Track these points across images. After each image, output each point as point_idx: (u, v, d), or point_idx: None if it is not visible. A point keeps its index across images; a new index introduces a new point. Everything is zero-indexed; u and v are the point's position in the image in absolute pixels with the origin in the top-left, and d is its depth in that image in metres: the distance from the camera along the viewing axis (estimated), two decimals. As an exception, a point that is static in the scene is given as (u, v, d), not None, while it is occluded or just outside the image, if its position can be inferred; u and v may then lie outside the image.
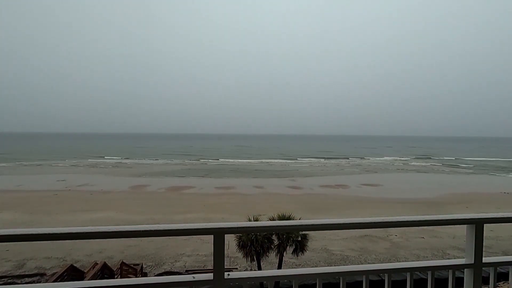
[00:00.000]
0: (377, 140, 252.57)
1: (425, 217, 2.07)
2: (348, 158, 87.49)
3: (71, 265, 12.72)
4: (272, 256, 13.27)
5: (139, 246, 17.47)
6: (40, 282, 13.45)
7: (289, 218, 13.28)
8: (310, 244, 13.62)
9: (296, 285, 1.94)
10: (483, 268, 2.07)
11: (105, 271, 12.94)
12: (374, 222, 2.00)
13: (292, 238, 12.66)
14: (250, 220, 12.29)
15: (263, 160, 79.29)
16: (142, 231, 1.67)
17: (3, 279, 14.00)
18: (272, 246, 12.69)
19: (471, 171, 60.40)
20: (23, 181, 40.54)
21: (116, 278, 12.78)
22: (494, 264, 2.12)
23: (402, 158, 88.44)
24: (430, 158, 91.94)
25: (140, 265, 14.59)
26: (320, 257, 16.67)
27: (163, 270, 15.12)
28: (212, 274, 1.77)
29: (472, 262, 2.04)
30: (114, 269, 13.36)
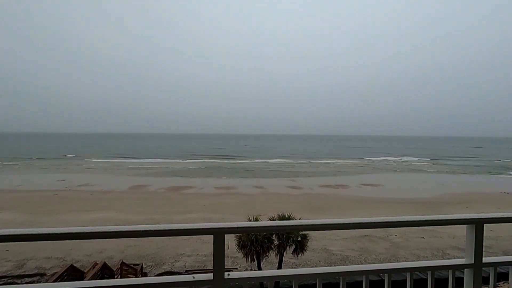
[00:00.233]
0: (377, 141, 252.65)
1: (425, 217, 2.07)
2: (348, 158, 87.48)
3: (71, 265, 12.71)
4: (272, 256, 13.27)
5: (139, 246, 17.47)
6: (40, 282, 13.45)
7: (289, 218, 13.29)
8: (310, 244, 13.62)
9: (296, 285, 1.94)
10: (483, 268, 2.07)
11: (105, 271, 12.94)
12: (374, 222, 2.00)
13: (292, 238, 12.66)
14: (250, 220, 12.30)
15: (262, 160, 79.32)
16: (142, 231, 1.67)
17: (3, 279, 14.00)
18: (272, 246, 12.69)
19: (470, 170, 60.43)
20: (23, 181, 40.55)
21: (116, 278, 12.78)
22: (494, 264, 2.11)
23: (402, 158, 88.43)
24: (430, 158, 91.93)
25: (140, 265, 14.59)
26: (320, 257, 16.67)
27: (163, 270, 15.12)
28: (212, 274, 1.77)
29: (472, 262, 2.04)
30: (114, 269, 13.35)
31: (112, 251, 16.85)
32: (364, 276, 1.99)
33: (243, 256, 12.95)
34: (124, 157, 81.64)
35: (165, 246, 17.49)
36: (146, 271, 14.90)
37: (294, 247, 12.74)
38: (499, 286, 6.62)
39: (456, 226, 2.20)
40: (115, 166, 62.51)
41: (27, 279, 14.16)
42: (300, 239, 12.71)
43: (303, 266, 14.98)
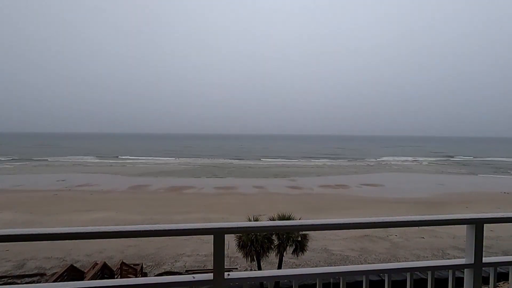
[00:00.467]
0: (377, 140, 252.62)
1: (425, 217, 2.07)
2: (348, 158, 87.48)
3: (71, 265, 12.72)
4: (272, 256, 13.27)
5: (139, 246, 17.47)
6: (40, 282, 13.46)
7: (289, 218, 13.28)
8: (310, 244, 13.62)
9: (296, 285, 1.94)
10: (483, 268, 2.06)
11: (105, 271, 12.94)
12: (374, 222, 2.00)
13: (292, 238, 12.66)
14: (250, 220, 12.30)
15: (262, 160, 79.32)
16: (142, 231, 1.67)
17: (3, 279, 14.01)
18: (272, 246, 12.68)
19: (470, 169, 60.43)
20: (23, 181, 40.56)
21: (116, 278, 12.78)
22: (494, 264, 2.11)
23: (402, 158, 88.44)
24: (431, 158, 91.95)
25: (140, 265, 14.59)
26: (320, 257, 16.67)
27: (163, 270, 15.12)
28: (212, 274, 1.77)
29: (472, 262, 2.03)
30: (114, 269, 13.35)
31: (112, 251, 16.85)
32: (364, 276, 1.99)
33: (243, 256, 12.94)
34: (124, 157, 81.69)
35: (165, 246, 17.49)
36: (146, 271, 14.90)
37: (294, 247, 12.74)
38: (499, 286, 6.62)
39: (456, 226, 2.20)
40: (115, 165, 62.52)
41: (27, 279, 14.16)
42: (300, 239, 12.71)
43: (303, 266, 14.98)
